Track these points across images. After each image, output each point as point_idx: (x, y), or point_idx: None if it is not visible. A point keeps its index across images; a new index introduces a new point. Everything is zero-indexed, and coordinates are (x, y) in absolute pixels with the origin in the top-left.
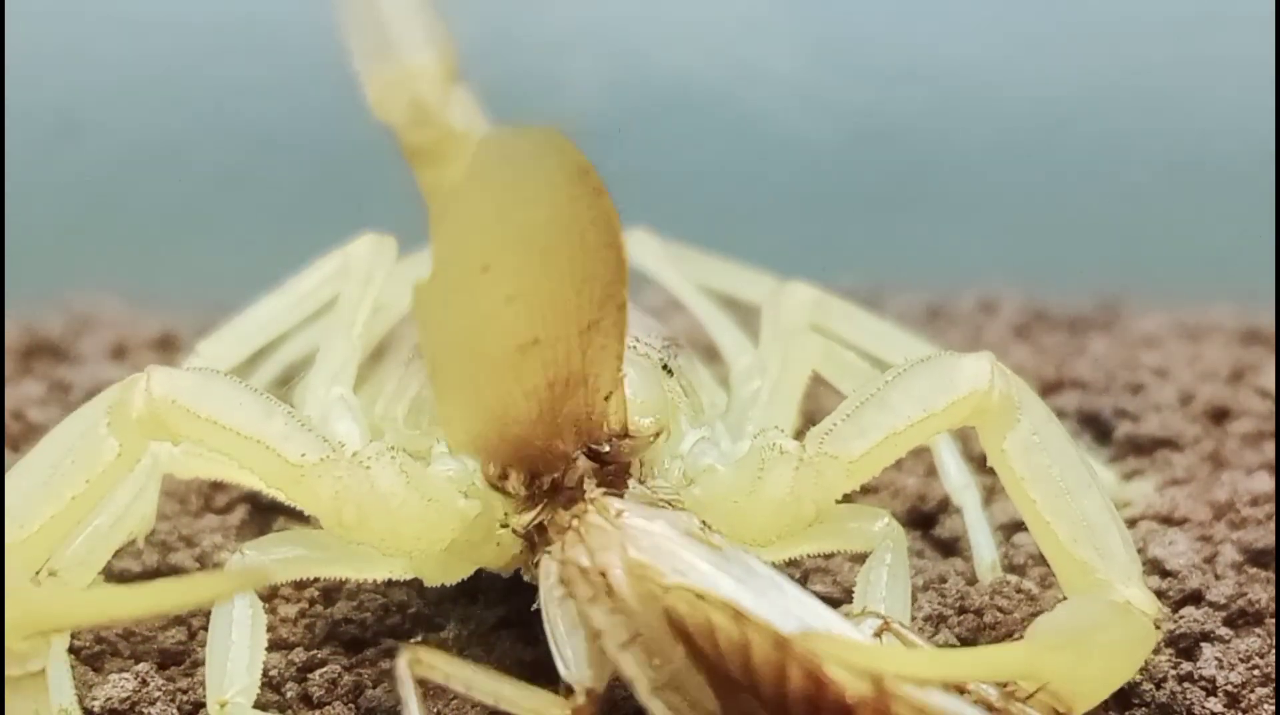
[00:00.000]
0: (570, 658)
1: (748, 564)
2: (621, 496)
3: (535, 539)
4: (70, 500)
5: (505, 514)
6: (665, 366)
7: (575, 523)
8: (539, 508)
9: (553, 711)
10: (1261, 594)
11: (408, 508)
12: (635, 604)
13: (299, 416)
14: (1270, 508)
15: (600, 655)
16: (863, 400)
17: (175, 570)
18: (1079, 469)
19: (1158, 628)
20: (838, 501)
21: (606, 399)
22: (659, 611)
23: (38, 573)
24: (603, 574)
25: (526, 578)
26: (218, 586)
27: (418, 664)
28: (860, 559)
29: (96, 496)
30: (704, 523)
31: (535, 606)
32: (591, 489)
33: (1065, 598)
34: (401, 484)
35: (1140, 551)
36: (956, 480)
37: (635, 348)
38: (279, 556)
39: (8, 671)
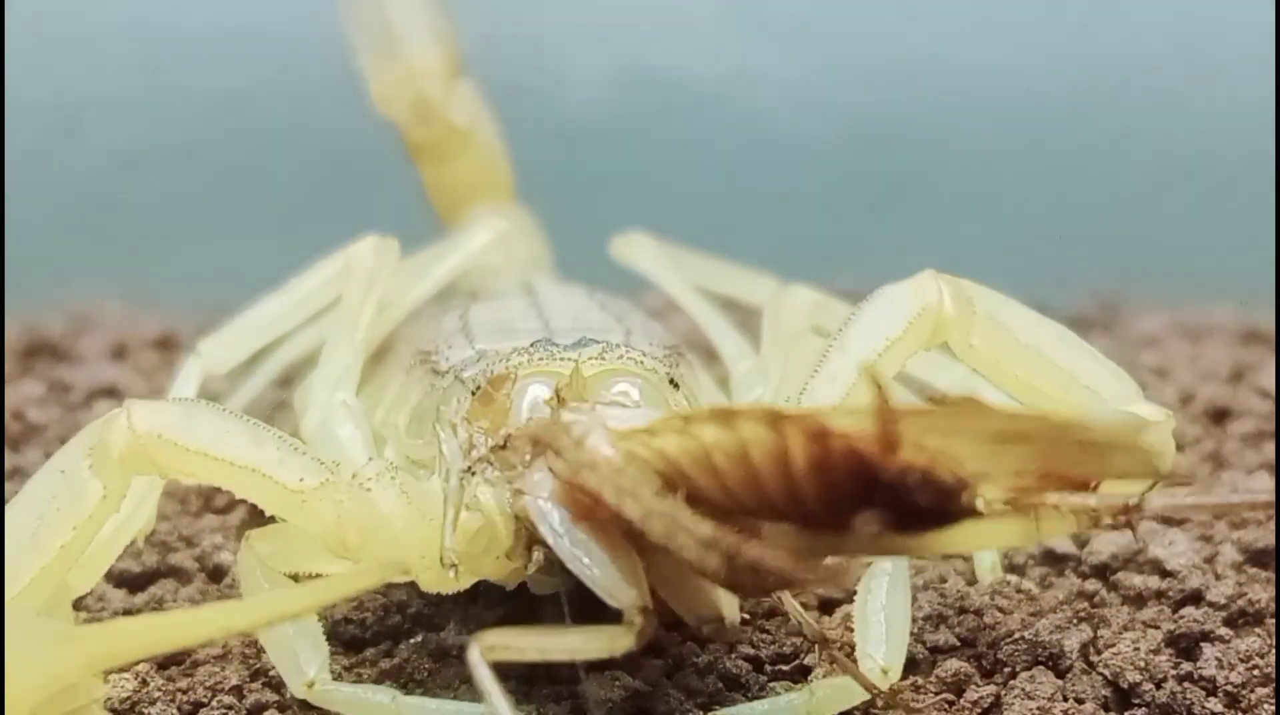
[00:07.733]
0: (610, 585)
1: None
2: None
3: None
4: (59, 550)
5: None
6: (672, 381)
7: (554, 431)
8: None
9: (620, 642)
10: (1261, 594)
11: (411, 528)
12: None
13: (289, 439)
14: (1270, 508)
15: (634, 571)
16: (825, 352)
17: (175, 570)
18: (1045, 327)
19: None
20: None
21: None
22: (647, 470)
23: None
24: (596, 456)
25: (533, 589)
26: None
27: (490, 650)
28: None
29: (86, 540)
30: None
31: (535, 599)
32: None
33: (1063, 600)
34: (403, 505)
35: (1140, 552)
36: None
37: (643, 362)
38: (279, 549)
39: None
